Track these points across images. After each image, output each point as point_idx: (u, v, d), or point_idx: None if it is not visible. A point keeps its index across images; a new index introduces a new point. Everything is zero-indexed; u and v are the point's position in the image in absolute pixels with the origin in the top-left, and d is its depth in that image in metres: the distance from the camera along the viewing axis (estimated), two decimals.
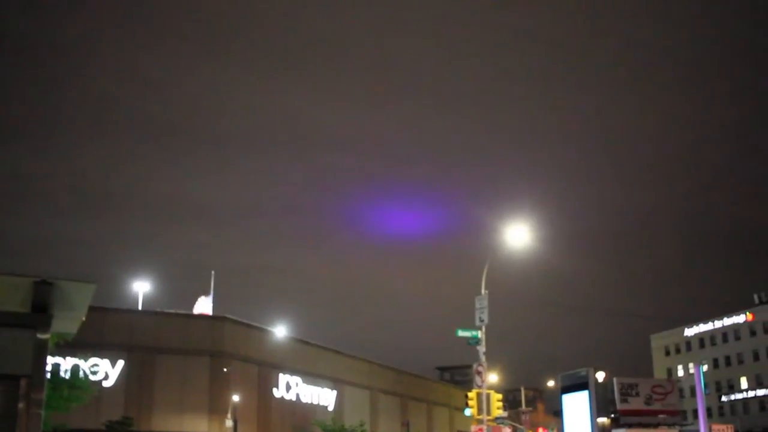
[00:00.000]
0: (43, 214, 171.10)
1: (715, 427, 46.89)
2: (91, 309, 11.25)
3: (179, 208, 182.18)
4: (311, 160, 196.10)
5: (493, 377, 44.27)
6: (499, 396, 37.50)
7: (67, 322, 11.83)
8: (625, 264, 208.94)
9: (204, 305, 67.95)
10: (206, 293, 68.75)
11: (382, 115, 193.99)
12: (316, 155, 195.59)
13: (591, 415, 56.37)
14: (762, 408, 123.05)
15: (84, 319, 11.49)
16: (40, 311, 10.89)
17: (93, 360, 57.15)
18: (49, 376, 30.23)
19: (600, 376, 61.30)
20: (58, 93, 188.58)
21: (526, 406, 76.21)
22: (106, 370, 59.09)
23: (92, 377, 53.26)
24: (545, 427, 66.41)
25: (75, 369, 36.74)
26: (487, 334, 36.06)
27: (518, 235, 34.64)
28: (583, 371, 54.67)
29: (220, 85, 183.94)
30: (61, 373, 35.86)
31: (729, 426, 49.37)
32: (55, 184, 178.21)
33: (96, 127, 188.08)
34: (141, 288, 65.67)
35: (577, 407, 60.28)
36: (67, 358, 44.56)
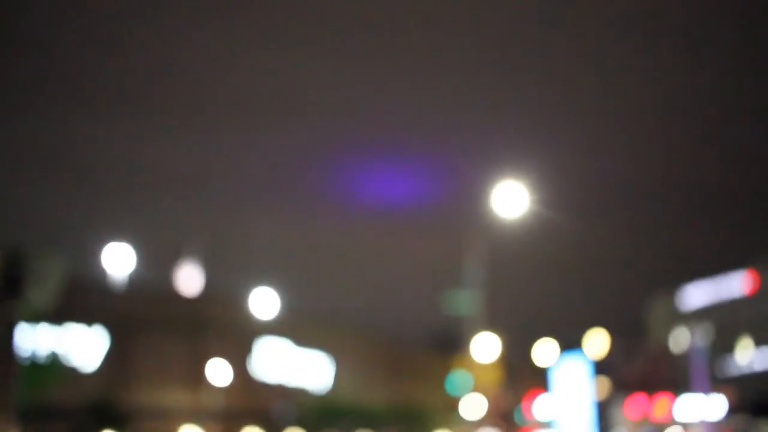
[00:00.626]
0: (15, 185, 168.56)
1: (713, 394, 46.42)
2: (69, 283, 9.98)
3: (159, 178, 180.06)
4: (296, 125, 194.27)
5: (489, 345, 43.27)
6: (496, 364, 36.62)
7: (40, 295, 10.86)
8: (622, 226, 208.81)
9: (188, 274, 67.34)
10: (190, 263, 68.02)
11: (370, 78, 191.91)
12: (301, 120, 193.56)
13: (588, 380, 55.98)
14: (761, 377, 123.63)
15: (57, 293, 10.32)
16: (11, 285, 9.97)
17: (71, 335, 55.85)
18: (25, 353, 28.86)
19: (599, 341, 60.93)
20: (30, 58, 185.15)
21: (523, 372, 75.49)
22: (85, 346, 57.78)
23: (71, 353, 52.01)
24: (543, 387, 66.24)
25: (52, 345, 35.42)
26: (481, 301, 34.73)
27: (513, 197, 33.18)
28: (579, 336, 54.28)
29: (199, 51, 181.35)
30: (39, 350, 34.58)
31: (728, 394, 49.03)
32: (29, 155, 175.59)
33: (71, 95, 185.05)
34: (122, 261, 64.41)
35: (574, 372, 59.90)
36: (44, 333, 43.13)
